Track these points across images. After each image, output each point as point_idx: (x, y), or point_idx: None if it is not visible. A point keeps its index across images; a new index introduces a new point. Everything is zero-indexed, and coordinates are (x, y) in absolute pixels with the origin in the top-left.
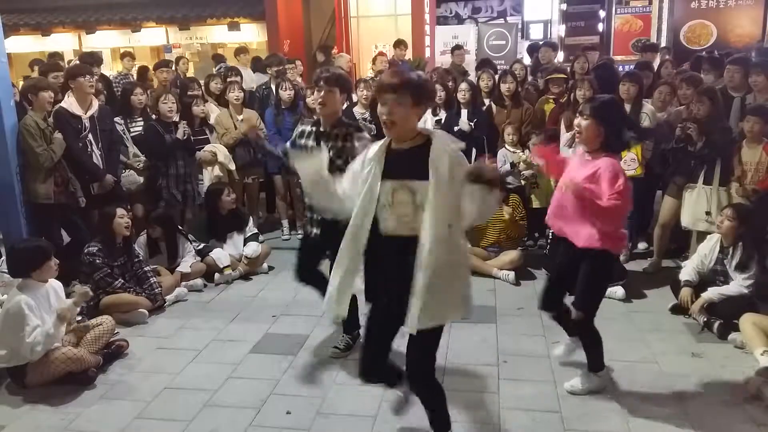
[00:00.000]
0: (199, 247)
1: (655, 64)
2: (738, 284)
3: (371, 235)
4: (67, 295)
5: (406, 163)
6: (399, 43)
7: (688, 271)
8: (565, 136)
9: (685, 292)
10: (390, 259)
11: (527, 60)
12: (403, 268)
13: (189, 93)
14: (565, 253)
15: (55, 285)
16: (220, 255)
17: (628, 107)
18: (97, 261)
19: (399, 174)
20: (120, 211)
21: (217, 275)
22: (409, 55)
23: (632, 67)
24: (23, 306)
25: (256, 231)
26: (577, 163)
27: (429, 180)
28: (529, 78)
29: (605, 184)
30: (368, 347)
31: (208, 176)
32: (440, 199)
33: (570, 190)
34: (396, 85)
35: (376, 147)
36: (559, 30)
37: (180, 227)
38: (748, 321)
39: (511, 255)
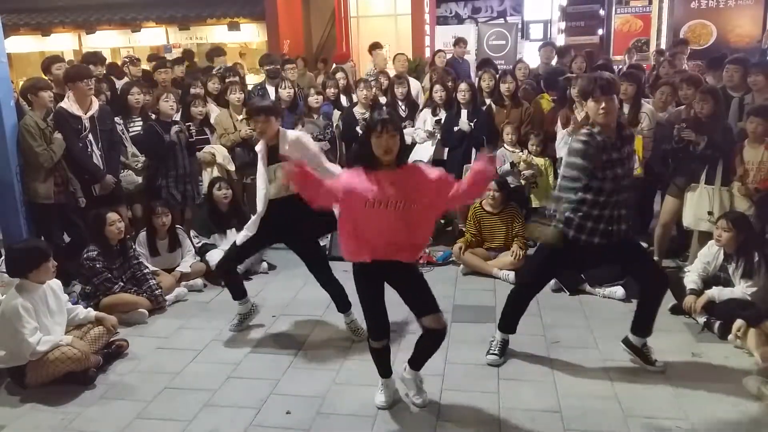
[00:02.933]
0: (200, 244)
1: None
2: (741, 290)
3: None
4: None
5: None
6: (459, 41)
7: (693, 278)
8: (561, 132)
9: (690, 300)
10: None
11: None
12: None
13: (191, 92)
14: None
15: (53, 285)
16: (215, 258)
17: (626, 107)
18: (97, 266)
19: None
20: (112, 217)
21: None
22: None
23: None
24: (20, 309)
25: None
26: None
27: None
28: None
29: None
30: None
31: (208, 177)
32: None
33: None
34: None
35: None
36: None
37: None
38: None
39: (511, 255)
